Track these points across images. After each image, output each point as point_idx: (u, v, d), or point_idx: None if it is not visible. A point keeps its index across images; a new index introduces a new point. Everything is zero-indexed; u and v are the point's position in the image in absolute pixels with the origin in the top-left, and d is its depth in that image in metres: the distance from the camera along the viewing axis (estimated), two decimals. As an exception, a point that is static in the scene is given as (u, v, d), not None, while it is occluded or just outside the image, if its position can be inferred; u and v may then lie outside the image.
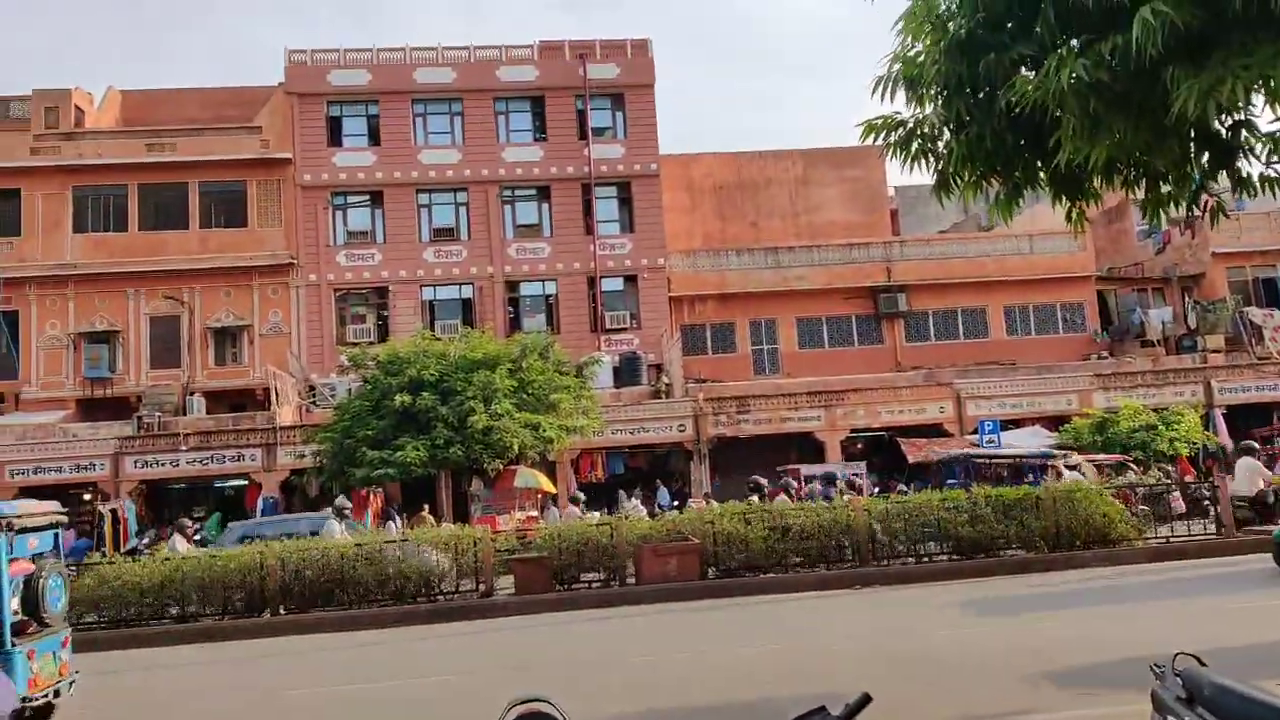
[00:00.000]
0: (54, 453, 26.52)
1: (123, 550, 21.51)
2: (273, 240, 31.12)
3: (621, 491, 25.76)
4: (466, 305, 31.92)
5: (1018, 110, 6.00)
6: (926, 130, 6.92)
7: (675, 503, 25.45)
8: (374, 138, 32.22)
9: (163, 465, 26.66)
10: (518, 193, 32.77)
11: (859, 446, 29.70)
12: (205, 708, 9.55)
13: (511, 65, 32.78)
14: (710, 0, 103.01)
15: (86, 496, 27.30)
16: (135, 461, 26.49)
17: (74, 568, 15.88)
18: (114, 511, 24.49)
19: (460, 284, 32.01)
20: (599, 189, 32.69)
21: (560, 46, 33.25)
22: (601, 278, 32.33)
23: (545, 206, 32.84)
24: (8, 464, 26.10)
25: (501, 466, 22.36)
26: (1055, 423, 27.21)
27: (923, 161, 7.03)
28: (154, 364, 30.25)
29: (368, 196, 32.10)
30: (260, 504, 26.06)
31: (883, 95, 6.74)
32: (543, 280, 32.51)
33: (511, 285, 32.37)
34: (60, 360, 30.06)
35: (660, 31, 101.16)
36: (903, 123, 6.93)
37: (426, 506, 21.83)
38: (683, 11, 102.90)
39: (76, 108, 32.08)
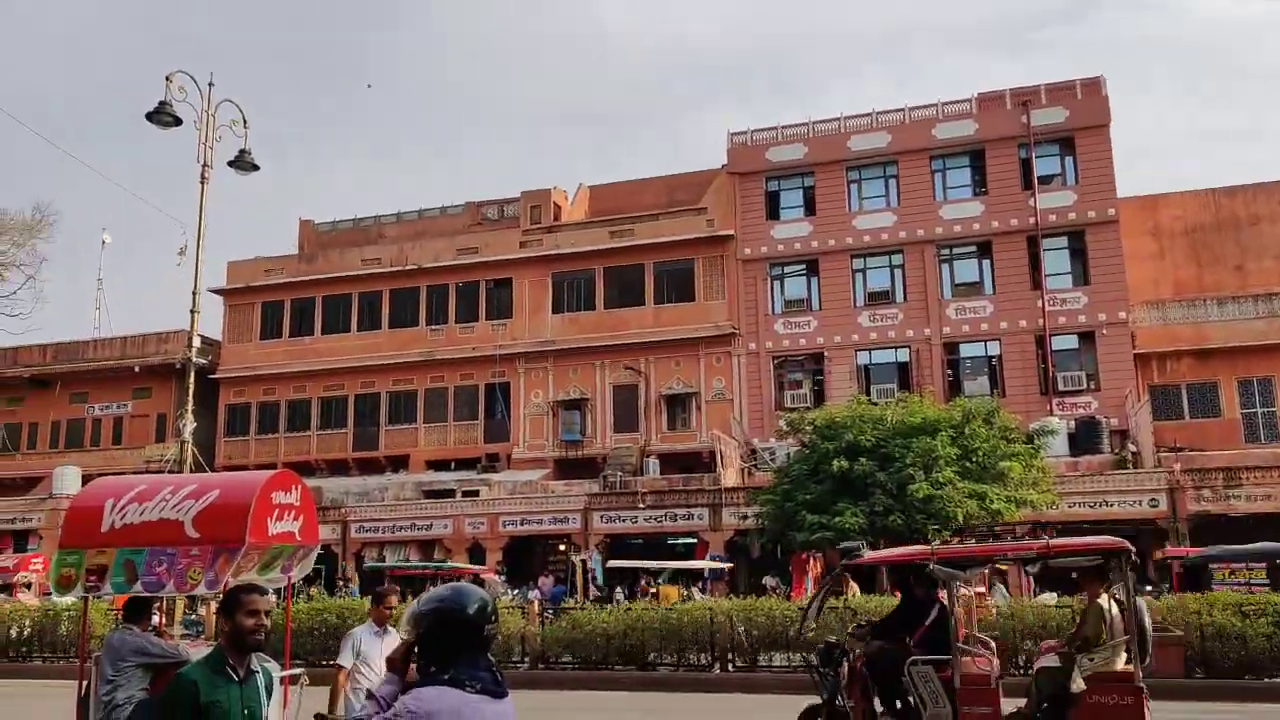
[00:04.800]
0: (537, 506, 30.12)
1: (590, 598, 23.67)
2: (717, 312, 33.05)
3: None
4: (903, 369, 31.22)
5: None
6: None
7: (1148, 588, 22.30)
8: (809, 208, 33.11)
9: (623, 521, 29.03)
10: (956, 250, 31.63)
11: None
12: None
13: (948, 121, 31.98)
14: (1170, 29, 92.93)
15: (561, 547, 30.62)
16: (601, 516, 29.16)
17: (552, 611, 17.83)
18: (583, 562, 27.14)
19: (896, 347, 31.44)
20: (1047, 240, 30.46)
21: (1000, 96, 31.80)
22: (1052, 335, 29.89)
23: (986, 263, 31.30)
24: (501, 515, 30.12)
25: (947, 537, 21.18)
26: None
27: None
28: (616, 428, 33.37)
29: (804, 265, 32.94)
30: (709, 559, 27.26)
31: None
32: (984, 340, 30.84)
33: (950, 347, 31.11)
34: (542, 425, 34.31)
35: (1111, 67, 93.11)
36: None
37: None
38: (1137, 45, 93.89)
39: (555, 204, 36.98)
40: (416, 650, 2.92)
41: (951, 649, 8.11)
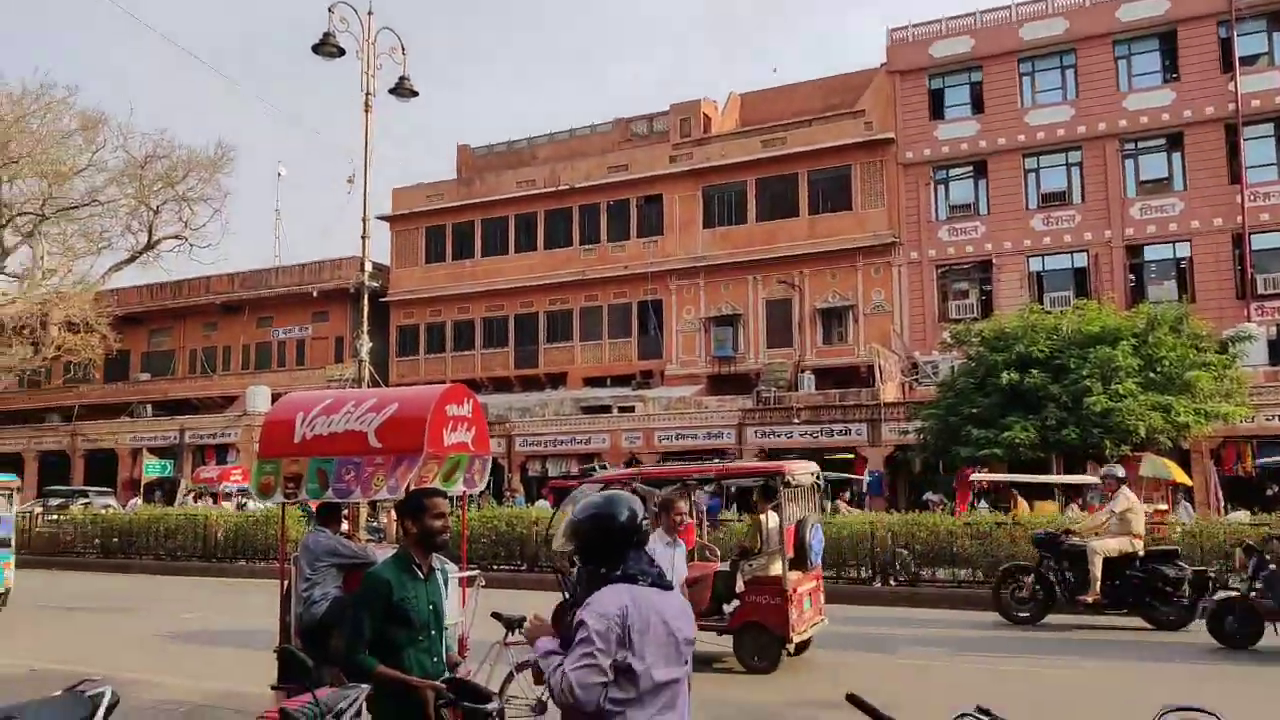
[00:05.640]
0: (691, 422, 30.37)
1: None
2: (875, 221, 31.90)
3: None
4: (1079, 274, 29.42)
5: None
6: None
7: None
8: (977, 106, 31.22)
9: (778, 436, 28.92)
10: (1141, 144, 29.24)
11: None
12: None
13: (1134, 1, 29.21)
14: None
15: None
16: (755, 431, 29.14)
17: (710, 523, 18.01)
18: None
19: (1072, 251, 29.59)
20: (1249, 129, 27.73)
21: (1199, -34, 28.81)
22: (1251, 234, 27.40)
23: (1176, 156, 28.82)
24: (655, 430, 30.55)
25: (1128, 453, 20.08)
26: None
27: None
28: (770, 343, 33.03)
29: (970, 167, 31.25)
30: (866, 477, 26.92)
31: None
32: (1173, 241, 28.60)
33: (1133, 249, 29.03)
34: (694, 341, 34.34)
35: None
36: None
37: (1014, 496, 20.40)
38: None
39: (704, 115, 36.27)
40: (579, 560, 3.07)
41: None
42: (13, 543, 14.19)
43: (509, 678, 6.48)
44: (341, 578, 6.22)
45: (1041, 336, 20.89)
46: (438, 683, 4.00)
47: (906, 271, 31.30)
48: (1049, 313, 23.06)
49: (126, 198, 33.99)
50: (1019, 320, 22.09)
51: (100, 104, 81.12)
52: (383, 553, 5.97)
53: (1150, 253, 29.01)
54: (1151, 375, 19.92)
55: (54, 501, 27.78)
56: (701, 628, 9.13)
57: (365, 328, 17.55)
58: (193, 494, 30.59)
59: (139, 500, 30.31)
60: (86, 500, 28.07)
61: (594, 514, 3.02)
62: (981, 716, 4.10)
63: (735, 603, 9.48)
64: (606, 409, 32.70)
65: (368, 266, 17.44)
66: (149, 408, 41.78)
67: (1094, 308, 21.90)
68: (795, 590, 9.13)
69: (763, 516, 9.78)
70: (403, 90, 16.86)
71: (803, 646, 9.63)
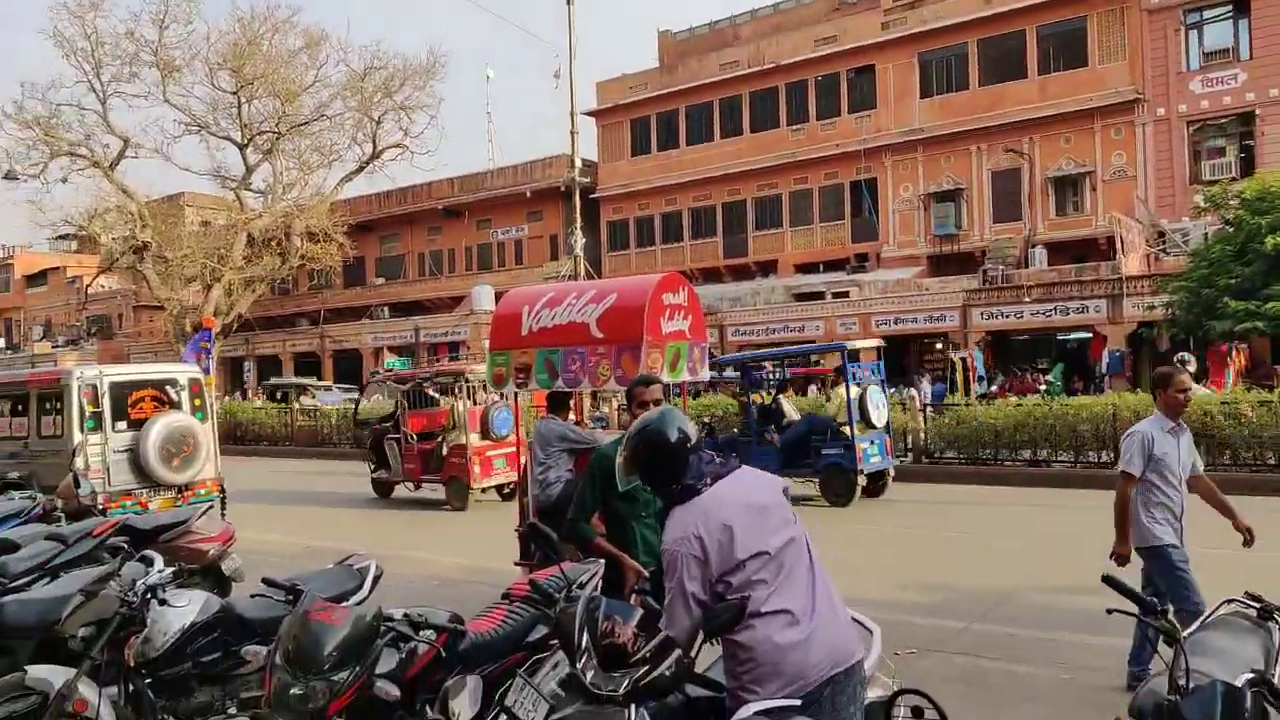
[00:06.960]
0: (910, 305, 29.27)
1: (974, 395, 22.86)
2: (1115, 77, 28.86)
3: None
4: (1367, 121, 25.56)
5: None
6: None
7: None
8: (1240, -69, 27.22)
9: (1006, 317, 27.43)
10: None
11: None
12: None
13: None
14: None
15: (938, 346, 29.73)
16: (981, 313, 27.73)
17: (934, 408, 17.50)
18: (964, 360, 26.16)
19: (1358, 95, 25.70)
20: None
21: None
22: None
23: None
24: (873, 315, 29.67)
25: None
26: None
27: None
28: (996, 218, 31.00)
29: (1229, 7, 27.49)
30: (1105, 357, 25.18)
31: None
32: None
33: None
34: (912, 220, 32.77)
35: None
36: None
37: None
38: None
39: (920, -25, 33.65)
40: (647, 484, 3.17)
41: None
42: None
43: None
44: (573, 461, 6.50)
45: (1320, 196, 18.55)
46: (642, 569, 4.10)
47: (1152, 130, 28.26)
48: (1326, 167, 20.34)
49: (350, 111, 35.90)
50: (1288, 178, 19.66)
51: (317, 20, 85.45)
52: (608, 437, 6.15)
53: None
54: None
55: (277, 394, 30.24)
56: (426, 481, 14.42)
57: (578, 224, 17.94)
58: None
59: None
60: (308, 393, 30.32)
61: (645, 429, 3.06)
62: (1251, 603, 3.74)
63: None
64: (820, 295, 32.04)
65: (577, 163, 17.71)
66: (386, 310, 44.91)
67: (1387, 157, 19.11)
68: (479, 453, 13.67)
69: (458, 404, 14.23)
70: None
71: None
